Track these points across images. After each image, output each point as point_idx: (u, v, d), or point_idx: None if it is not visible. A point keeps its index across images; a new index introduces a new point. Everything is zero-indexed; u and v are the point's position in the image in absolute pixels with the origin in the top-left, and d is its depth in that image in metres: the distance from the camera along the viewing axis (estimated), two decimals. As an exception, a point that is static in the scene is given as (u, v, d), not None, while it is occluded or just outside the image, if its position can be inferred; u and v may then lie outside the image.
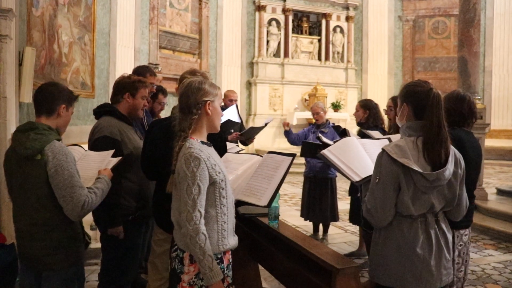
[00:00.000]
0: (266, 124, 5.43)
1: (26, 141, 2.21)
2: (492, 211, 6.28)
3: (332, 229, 5.94)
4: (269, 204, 2.57)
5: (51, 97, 2.31)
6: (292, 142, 5.49)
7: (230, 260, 2.22)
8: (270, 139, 13.53)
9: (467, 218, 2.76)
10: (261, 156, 3.02)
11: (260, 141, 13.01)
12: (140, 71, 3.84)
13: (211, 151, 2.16)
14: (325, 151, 2.47)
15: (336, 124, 5.41)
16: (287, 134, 5.52)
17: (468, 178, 2.54)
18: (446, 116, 2.92)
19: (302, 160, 5.60)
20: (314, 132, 5.38)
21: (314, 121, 5.56)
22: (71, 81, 7.35)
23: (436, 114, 2.08)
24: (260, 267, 3.42)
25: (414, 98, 2.15)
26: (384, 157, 2.08)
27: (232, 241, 2.19)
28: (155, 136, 2.61)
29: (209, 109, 2.16)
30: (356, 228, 5.80)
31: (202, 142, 2.16)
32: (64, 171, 2.19)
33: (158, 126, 2.69)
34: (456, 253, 2.79)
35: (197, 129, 2.17)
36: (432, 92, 2.11)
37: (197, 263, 2.03)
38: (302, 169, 5.73)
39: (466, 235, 2.87)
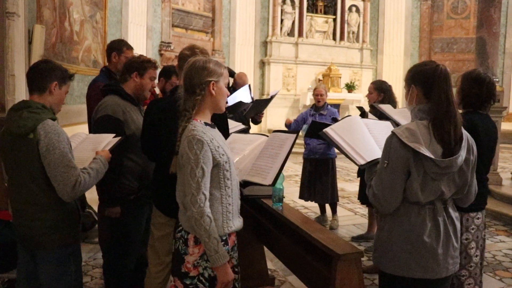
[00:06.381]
0: (272, 97, 5.36)
1: (19, 120, 2.18)
2: (506, 196, 6.13)
3: (342, 211, 5.91)
4: (274, 183, 2.52)
5: (42, 74, 2.27)
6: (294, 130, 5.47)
7: (235, 242, 2.22)
8: (282, 119, 13.34)
9: (478, 201, 2.64)
10: (267, 136, 2.97)
11: (273, 121, 12.93)
12: (116, 45, 3.65)
13: (214, 133, 2.12)
14: (327, 130, 2.38)
15: (359, 106, 5.29)
16: (287, 127, 5.55)
17: (480, 161, 2.45)
18: (461, 96, 2.84)
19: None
20: (313, 114, 5.38)
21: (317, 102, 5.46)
22: (83, 59, 7.35)
23: (444, 90, 1.99)
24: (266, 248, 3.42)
25: (422, 77, 2.06)
26: (394, 141, 1.99)
27: (237, 222, 2.17)
28: (153, 117, 2.55)
29: (213, 89, 2.11)
30: (365, 211, 5.75)
31: (206, 123, 2.12)
32: (55, 150, 2.16)
33: (156, 107, 2.62)
34: (470, 236, 2.72)
35: (201, 110, 2.13)
36: (439, 68, 2.02)
37: (201, 245, 2.03)
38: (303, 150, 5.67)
39: (478, 218, 2.79)
